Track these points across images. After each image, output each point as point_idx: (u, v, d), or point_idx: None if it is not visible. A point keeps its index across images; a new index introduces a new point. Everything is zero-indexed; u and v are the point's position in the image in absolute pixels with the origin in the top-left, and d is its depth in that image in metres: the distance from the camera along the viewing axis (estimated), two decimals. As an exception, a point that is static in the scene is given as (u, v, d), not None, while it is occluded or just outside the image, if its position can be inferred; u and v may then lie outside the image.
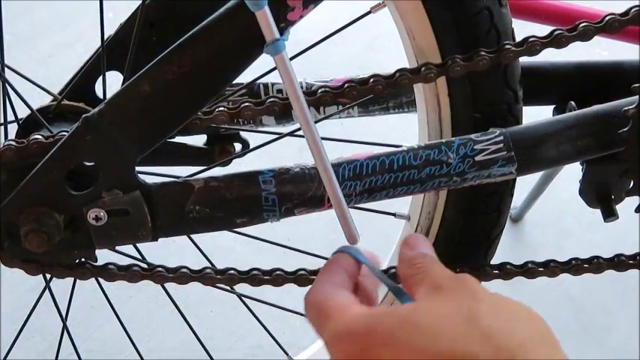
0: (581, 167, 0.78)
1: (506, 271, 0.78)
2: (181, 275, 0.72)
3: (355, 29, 0.77)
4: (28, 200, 0.63)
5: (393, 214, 0.89)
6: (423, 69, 0.67)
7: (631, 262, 0.78)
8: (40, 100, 0.78)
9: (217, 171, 0.70)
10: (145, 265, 0.73)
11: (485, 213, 0.78)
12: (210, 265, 0.74)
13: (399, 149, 0.67)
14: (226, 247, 1.39)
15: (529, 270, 0.78)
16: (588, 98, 0.76)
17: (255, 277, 0.73)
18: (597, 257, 0.79)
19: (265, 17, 0.44)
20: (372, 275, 0.52)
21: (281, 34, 0.52)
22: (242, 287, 0.80)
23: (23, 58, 1.86)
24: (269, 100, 0.66)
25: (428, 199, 0.82)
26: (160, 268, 0.72)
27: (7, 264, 0.69)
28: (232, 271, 0.73)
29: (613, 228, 0.98)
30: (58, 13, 2.10)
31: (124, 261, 0.75)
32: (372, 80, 0.67)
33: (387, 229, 0.99)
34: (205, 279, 0.72)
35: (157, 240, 0.66)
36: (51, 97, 0.78)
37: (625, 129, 0.69)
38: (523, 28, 0.69)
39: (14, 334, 0.92)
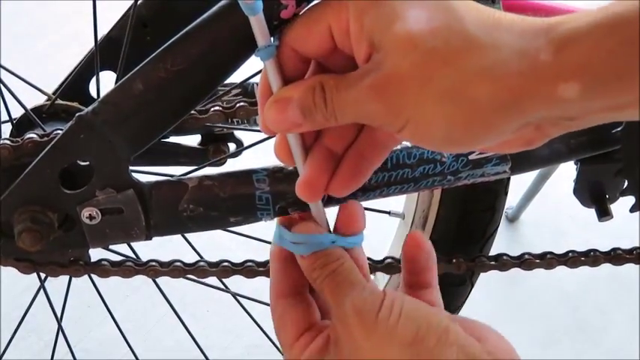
0: (575, 167, 0.79)
1: (503, 262, 0.78)
2: (174, 269, 0.72)
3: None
4: (22, 199, 0.63)
5: (388, 213, 0.89)
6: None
7: (628, 256, 0.79)
8: (35, 100, 0.78)
9: (211, 170, 0.70)
10: (138, 261, 0.73)
11: (479, 211, 0.78)
12: (203, 259, 0.74)
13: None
14: (222, 247, 1.39)
15: (526, 262, 0.78)
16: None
17: (250, 269, 0.73)
18: (594, 250, 0.79)
19: (259, 23, 0.44)
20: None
21: (274, 32, 0.52)
22: (238, 287, 0.80)
23: (19, 58, 1.86)
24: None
25: (422, 197, 0.82)
26: (153, 263, 0.72)
27: (1, 263, 0.69)
28: (226, 264, 0.73)
29: (609, 227, 0.98)
30: (54, 13, 2.11)
31: (118, 257, 0.75)
32: None
33: (381, 228, 0.99)
34: (199, 272, 0.72)
35: (150, 239, 0.66)
36: (45, 97, 0.79)
37: (618, 128, 0.69)
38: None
39: (10, 333, 0.92)
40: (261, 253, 1.08)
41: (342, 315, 0.43)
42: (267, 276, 0.74)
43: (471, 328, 0.43)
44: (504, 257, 0.78)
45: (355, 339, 0.42)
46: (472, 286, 0.87)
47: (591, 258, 0.79)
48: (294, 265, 0.49)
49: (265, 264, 0.74)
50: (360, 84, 0.38)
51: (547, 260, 0.78)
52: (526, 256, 0.78)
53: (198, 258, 0.78)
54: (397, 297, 0.43)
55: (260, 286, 0.75)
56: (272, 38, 0.46)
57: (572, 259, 0.79)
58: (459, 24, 0.34)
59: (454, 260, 0.78)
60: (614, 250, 0.80)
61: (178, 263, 0.72)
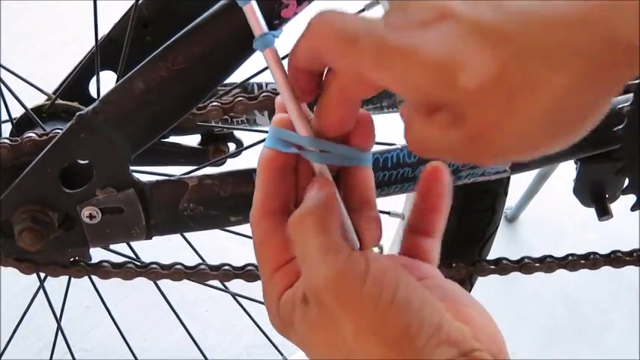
0: (575, 166, 0.78)
1: (503, 267, 0.78)
2: (176, 272, 0.72)
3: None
4: (22, 198, 0.63)
5: (388, 213, 0.89)
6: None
7: (627, 258, 0.79)
8: (35, 99, 0.78)
9: (211, 170, 0.70)
10: (139, 262, 0.73)
11: (479, 211, 0.78)
12: (204, 261, 0.74)
13: (394, 147, 0.67)
14: (221, 247, 1.39)
15: (525, 265, 0.78)
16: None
17: (251, 272, 0.73)
18: (594, 253, 0.79)
19: (252, 12, 0.43)
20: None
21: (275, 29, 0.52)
22: (237, 287, 0.80)
23: (19, 58, 1.86)
24: (262, 95, 0.67)
25: (422, 198, 0.82)
26: (154, 265, 0.72)
27: (1, 263, 0.69)
28: (227, 267, 0.73)
29: (608, 227, 0.99)
30: (54, 13, 2.10)
31: (118, 259, 0.75)
32: None
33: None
34: (200, 275, 0.72)
35: (151, 238, 0.66)
36: (45, 97, 0.78)
37: (620, 127, 0.69)
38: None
39: (9, 333, 0.92)
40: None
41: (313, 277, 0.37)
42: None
43: (458, 307, 0.40)
44: (504, 261, 0.78)
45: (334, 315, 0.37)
46: (471, 286, 0.87)
47: (591, 261, 0.79)
48: (289, 177, 0.42)
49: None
50: (447, 139, 0.33)
51: (547, 264, 0.78)
52: (526, 260, 0.78)
53: (199, 260, 0.78)
54: (387, 271, 0.37)
55: (259, 287, 0.75)
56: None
57: (572, 262, 0.79)
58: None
59: (454, 265, 0.78)
60: (613, 252, 0.80)
61: (179, 266, 0.72)
